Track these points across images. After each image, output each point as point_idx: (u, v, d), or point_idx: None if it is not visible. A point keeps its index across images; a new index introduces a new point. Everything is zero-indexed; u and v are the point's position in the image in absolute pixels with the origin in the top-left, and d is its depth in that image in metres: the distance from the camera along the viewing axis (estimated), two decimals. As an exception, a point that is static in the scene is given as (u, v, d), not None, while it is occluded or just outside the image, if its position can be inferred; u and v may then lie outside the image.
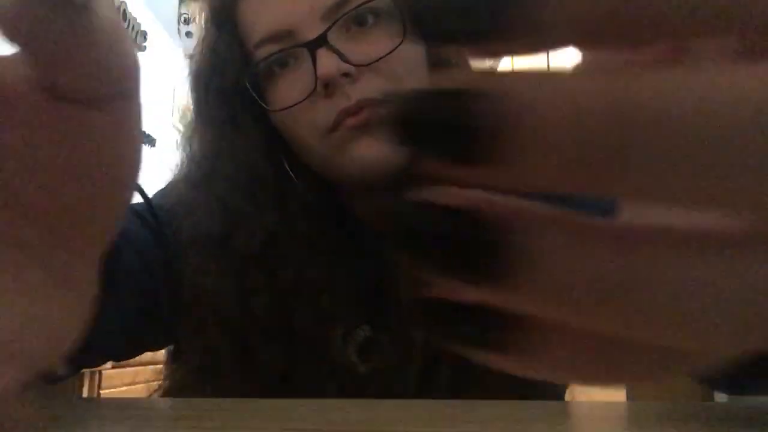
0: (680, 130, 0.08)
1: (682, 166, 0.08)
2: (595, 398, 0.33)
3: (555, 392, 0.51)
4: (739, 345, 0.10)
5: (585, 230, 0.09)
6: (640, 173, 0.08)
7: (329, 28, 0.40)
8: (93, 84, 0.16)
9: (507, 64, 1.67)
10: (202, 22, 0.50)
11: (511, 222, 0.09)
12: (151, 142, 3.20)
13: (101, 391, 1.93)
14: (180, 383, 0.45)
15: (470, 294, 0.10)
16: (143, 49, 3.04)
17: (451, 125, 0.09)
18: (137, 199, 0.43)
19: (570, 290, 0.09)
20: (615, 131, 0.08)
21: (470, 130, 0.09)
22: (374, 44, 0.41)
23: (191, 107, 0.49)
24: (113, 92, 0.16)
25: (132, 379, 2.00)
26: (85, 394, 1.81)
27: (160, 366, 0.49)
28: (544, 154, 0.08)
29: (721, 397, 1.66)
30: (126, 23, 2.66)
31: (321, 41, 0.40)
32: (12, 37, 0.14)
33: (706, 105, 0.08)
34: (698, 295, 0.09)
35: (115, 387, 1.95)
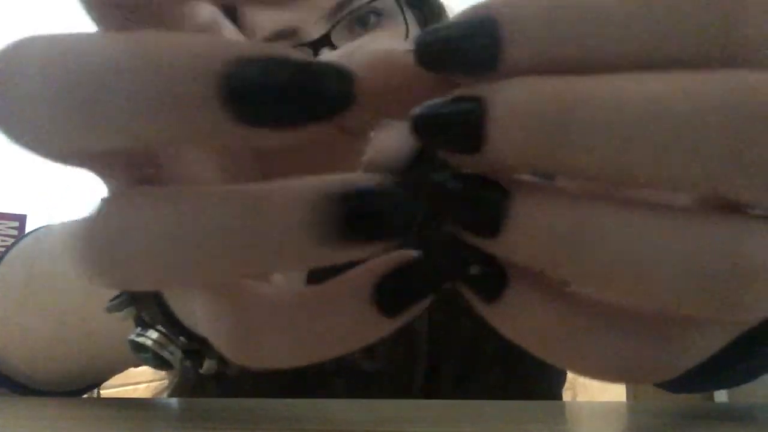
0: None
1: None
2: (595, 398, 0.33)
3: (555, 392, 0.51)
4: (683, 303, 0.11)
5: (556, 193, 0.11)
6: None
7: (332, 28, 0.41)
8: None
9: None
10: None
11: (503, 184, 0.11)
12: (151, 142, 3.19)
13: (101, 391, 1.93)
14: (189, 381, 0.45)
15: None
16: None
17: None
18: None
19: (546, 244, 0.11)
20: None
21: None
22: None
23: None
24: None
25: (132, 379, 2.00)
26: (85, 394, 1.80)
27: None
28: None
29: (721, 397, 1.66)
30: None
31: (324, 41, 0.40)
32: None
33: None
34: (649, 254, 0.11)
35: (115, 387, 1.95)
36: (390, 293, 0.12)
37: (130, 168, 0.13)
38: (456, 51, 0.11)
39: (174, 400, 0.40)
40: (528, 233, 0.11)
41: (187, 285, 0.13)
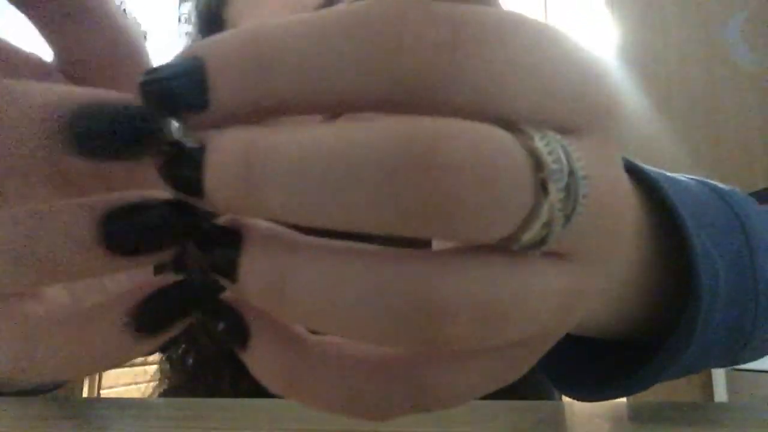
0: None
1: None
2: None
3: (552, 394, 0.51)
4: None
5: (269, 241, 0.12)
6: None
7: None
8: None
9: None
10: (190, 27, 0.50)
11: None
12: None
13: (101, 391, 1.93)
14: (175, 385, 0.45)
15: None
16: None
17: None
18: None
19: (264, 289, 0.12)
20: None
21: None
22: None
23: None
24: None
25: (132, 379, 2.00)
26: (85, 394, 1.81)
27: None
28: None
29: (721, 397, 1.66)
30: (126, 23, 2.66)
31: None
32: None
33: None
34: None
35: (115, 387, 1.95)
36: (147, 314, 0.13)
37: None
38: (170, 93, 0.12)
39: (173, 400, 0.40)
40: (251, 280, 0.12)
41: None
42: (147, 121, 0.12)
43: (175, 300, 0.14)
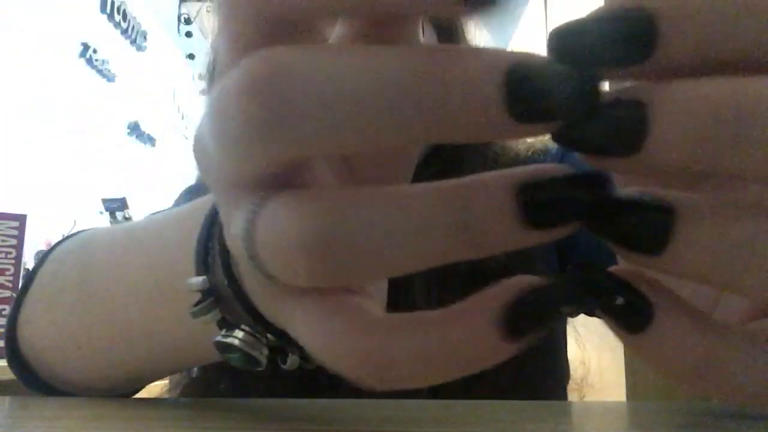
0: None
1: None
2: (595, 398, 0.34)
3: (561, 392, 0.51)
4: None
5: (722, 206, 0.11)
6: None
7: None
8: None
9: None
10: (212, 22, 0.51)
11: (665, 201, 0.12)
12: (152, 141, 3.20)
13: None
14: (197, 380, 0.46)
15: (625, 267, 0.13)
16: (143, 49, 3.04)
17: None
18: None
19: (715, 254, 0.11)
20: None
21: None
22: None
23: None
24: None
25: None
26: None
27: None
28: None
29: (721, 397, 1.66)
30: (126, 23, 2.66)
31: None
32: None
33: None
34: None
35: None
36: (517, 318, 0.12)
37: (279, 176, 0.14)
38: (605, 44, 0.11)
39: (175, 400, 0.40)
40: (696, 248, 0.11)
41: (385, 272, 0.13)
42: (588, 79, 0.11)
43: (549, 302, 0.13)
